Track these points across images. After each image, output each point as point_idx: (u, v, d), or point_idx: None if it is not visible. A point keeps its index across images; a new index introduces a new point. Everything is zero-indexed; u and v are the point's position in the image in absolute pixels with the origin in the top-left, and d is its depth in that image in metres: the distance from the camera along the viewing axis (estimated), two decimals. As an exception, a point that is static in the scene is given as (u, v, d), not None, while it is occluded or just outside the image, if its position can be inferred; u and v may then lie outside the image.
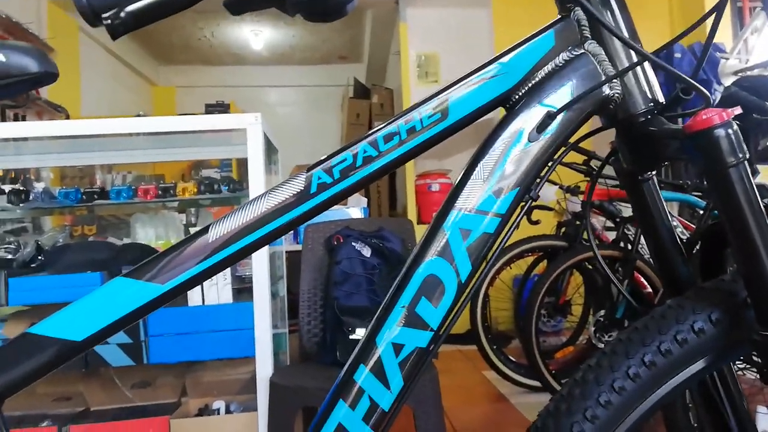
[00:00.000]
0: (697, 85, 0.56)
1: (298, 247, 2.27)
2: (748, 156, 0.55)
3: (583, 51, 0.61)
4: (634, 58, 0.61)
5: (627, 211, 2.78)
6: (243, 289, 1.81)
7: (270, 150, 2.17)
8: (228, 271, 1.77)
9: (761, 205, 0.55)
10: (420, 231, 4.00)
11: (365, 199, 2.70)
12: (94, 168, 3.55)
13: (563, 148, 0.66)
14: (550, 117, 0.59)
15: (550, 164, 0.63)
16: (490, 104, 0.61)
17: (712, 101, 0.57)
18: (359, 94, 5.83)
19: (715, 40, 3.76)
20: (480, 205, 0.58)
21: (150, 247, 1.99)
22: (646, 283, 2.70)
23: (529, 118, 0.60)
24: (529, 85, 0.61)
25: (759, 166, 1.93)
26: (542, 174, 0.63)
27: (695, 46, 3.80)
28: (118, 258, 1.84)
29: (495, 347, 2.99)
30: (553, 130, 0.60)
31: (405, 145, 0.60)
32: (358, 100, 5.68)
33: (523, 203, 0.61)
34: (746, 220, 0.55)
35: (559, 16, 0.63)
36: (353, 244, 2.07)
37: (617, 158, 0.67)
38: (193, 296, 1.77)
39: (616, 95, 0.61)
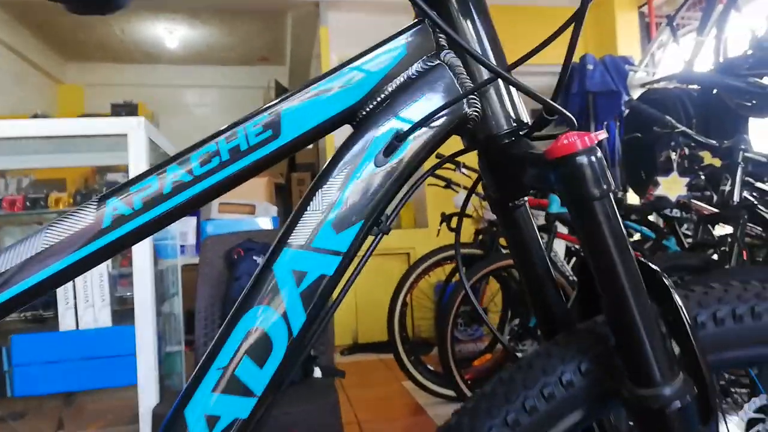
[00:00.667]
0: (556, 105, 0.49)
1: (197, 260, 2.13)
2: (613, 188, 0.48)
3: (438, 62, 0.53)
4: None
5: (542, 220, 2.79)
6: (125, 311, 1.65)
7: (163, 158, 2.01)
8: (106, 289, 1.61)
9: (628, 243, 0.48)
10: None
11: (275, 208, 2.57)
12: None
13: (426, 168, 0.58)
14: (398, 139, 0.51)
15: (407, 190, 0.55)
16: (333, 120, 0.52)
17: (575, 124, 0.50)
18: (281, 94, 5.68)
19: (624, 53, 3.88)
20: (316, 241, 0.49)
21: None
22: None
23: (376, 138, 0.51)
24: (378, 99, 0.52)
25: (659, 179, 1.94)
26: (400, 200, 0.54)
27: (606, 59, 3.91)
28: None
29: (413, 357, 2.93)
30: (403, 152, 0.51)
31: (227, 168, 0.50)
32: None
33: (373, 237, 0.53)
34: (612, 259, 0.48)
35: (415, 20, 0.55)
36: (255, 258, 1.94)
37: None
38: (66, 319, 1.59)
39: (475, 113, 0.53)
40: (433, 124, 0.52)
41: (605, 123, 3.91)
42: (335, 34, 4.66)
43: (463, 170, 2.92)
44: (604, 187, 0.47)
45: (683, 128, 1.88)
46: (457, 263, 0.66)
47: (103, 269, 1.62)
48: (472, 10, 0.55)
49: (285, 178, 4.97)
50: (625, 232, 0.49)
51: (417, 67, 0.53)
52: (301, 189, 5.03)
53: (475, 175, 2.96)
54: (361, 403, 2.98)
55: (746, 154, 1.87)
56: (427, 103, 0.52)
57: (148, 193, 0.49)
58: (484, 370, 3.11)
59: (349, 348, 4.07)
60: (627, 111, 3.37)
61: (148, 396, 1.55)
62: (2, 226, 1.85)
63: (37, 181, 3.81)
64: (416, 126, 0.51)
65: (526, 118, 0.55)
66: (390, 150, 0.51)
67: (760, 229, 1.84)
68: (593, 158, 0.47)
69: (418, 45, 0.53)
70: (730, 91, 2.00)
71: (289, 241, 0.49)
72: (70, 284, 1.61)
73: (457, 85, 0.53)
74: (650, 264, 0.52)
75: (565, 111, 0.49)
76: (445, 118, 0.52)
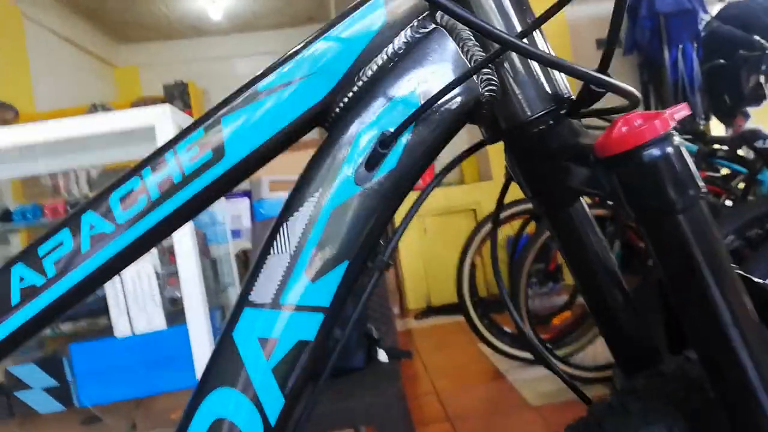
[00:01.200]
0: (605, 77, 0.33)
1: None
2: (703, 190, 0.32)
3: (434, 26, 0.38)
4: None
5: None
6: (180, 311, 1.59)
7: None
8: (156, 290, 1.57)
9: (728, 267, 0.32)
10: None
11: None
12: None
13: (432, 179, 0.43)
14: (383, 144, 0.36)
15: (410, 208, 0.41)
16: (296, 125, 0.38)
17: (639, 100, 0.34)
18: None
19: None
20: (286, 296, 0.36)
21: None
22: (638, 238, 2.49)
23: (354, 146, 0.37)
24: (354, 89, 0.38)
25: (750, 110, 1.68)
26: (401, 224, 0.41)
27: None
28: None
29: (486, 321, 2.80)
30: (394, 162, 0.37)
31: (158, 210, 0.37)
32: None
33: (370, 276, 0.39)
34: (706, 291, 0.32)
35: None
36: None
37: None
38: (119, 325, 1.56)
39: (491, 94, 0.38)
40: (431, 117, 0.37)
41: (680, 47, 3.52)
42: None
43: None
44: (691, 192, 0.31)
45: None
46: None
47: (151, 270, 1.57)
48: None
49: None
50: (725, 250, 0.33)
51: (404, 36, 0.38)
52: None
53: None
54: (438, 370, 2.89)
55: None
56: (421, 86, 0.37)
57: (60, 256, 0.37)
58: (563, 329, 2.94)
59: (423, 312, 3.97)
60: (705, 33, 2.98)
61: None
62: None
63: (107, 170, 3.87)
64: (407, 123, 0.36)
65: (566, 90, 0.39)
66: (374, 161, 0.36)
67: None
68: (670, 150, 0.31)
69: (403, 4, 0.38)
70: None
71: (250, 297, 0.37)
72: (120, 288, 1.57)
73: (464, 57, 0.37)
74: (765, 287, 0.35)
75: (619, 84, 0.33)
76: (449, 105, 0.37)
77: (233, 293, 1.97)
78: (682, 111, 0.31)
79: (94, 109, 4.20)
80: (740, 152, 2.28)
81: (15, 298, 0.36)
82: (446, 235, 3.61)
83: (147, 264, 1.53)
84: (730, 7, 3.01)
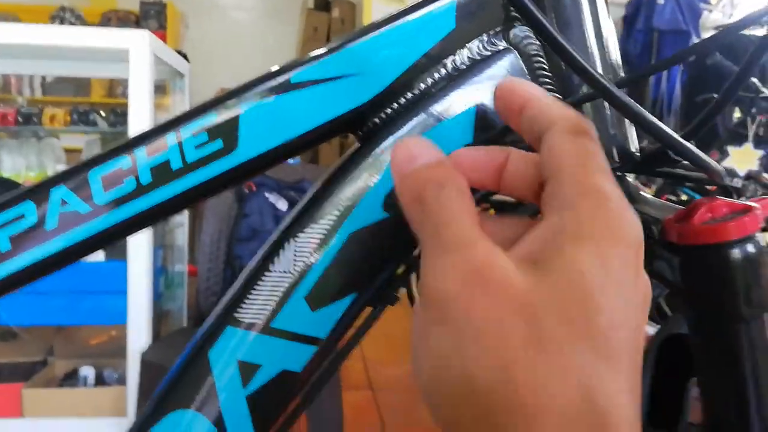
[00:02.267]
0: (693, 149, 0.28)
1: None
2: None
3: (505, 45, 0.33)
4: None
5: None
6: (123, 245, 1.51)
7: (173, 75, 1.82)
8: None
9: None
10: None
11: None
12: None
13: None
14: None
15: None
16: (324, 128, 0.33)
17: (723, 177, 0.30)
18: (319, 5, 5.32)
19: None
20: (280, 320, 0.31)
21: (13, 182, 1.64)
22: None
23: (389, 167, 0.32)
24: (401, 101, 0.32)
25: (729, 148, 1.70)
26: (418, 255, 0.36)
27: (681, -9, 3.50)
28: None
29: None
30: None
31: (146, 196, 0.31)
32: (317, 12, 5.18)
33: (370, 314, 0.35)
34: (743, 401, 0.30)
35: None
36: (266, 194, 1.78)
37: None
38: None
39: None
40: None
41: (668, 66, 3.56)
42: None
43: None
44: (761, 303, 0.28)
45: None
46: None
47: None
48: None
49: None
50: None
51: (470, 51, 0.32)
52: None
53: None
54: (369, 337, 2.89)
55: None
56: (480, 113, 0.32)
57: (18, 230, 0.31)
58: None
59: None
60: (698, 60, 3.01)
61: (138, 338, 1.44)
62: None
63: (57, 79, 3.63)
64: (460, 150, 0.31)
65: (634, 144, 0.35)
66: None
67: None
68: (754, 255, 0.27)
69: (476, 14, 0.33)
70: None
71: (236, 315, 0.32)
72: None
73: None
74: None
75: (706, 158, 0.29)
76: (504, 141, 0.32)
77: (181, 234, 1.89)
78: (765, 208, 0.28)
79: (62, 11, 3.93)
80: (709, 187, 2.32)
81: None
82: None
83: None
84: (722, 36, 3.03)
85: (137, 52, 1.39)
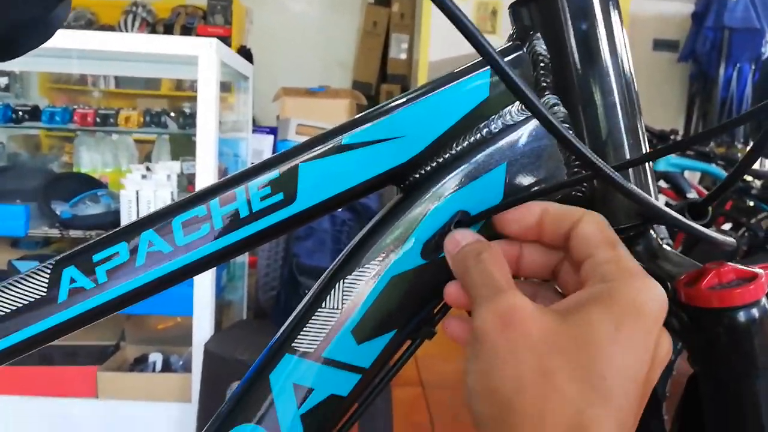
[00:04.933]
0: (707, 231, 0.31)
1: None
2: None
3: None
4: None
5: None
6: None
7: (238, 77, 1.90)
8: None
9: None
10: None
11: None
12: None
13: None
14: (459, 224, 0.35)
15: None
16: (371, 182, 0.37)
17: (734, 244, 0.33)
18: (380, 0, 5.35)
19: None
20: (330, 351, 0.36)
21: (91, 178, 1.76)
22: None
23: (430, 216, 0.36)
24: (440, 159, 0.36)
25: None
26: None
27: (755, -12, 3.34)
28: (50, 188, 1.63)
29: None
30: None
31: (219, 239, 0.37)
32: (377, 6, 5.21)
33: (408, 347, 0.39)
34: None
35: (509, 42, 0.38)
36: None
37: None
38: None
39: (577, 195, 0.36)
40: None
41: (738, 65, 3.41)
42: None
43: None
44: (766, 360, 0.30)
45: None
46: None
47: (168, 198, 1.58)
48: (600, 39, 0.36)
49: (374, 90, 4.77)
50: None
51: (503, 117, 0.36)
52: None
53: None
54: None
55: None
56: (510, 176, 0.36)
57: (114, 264, 0.37)
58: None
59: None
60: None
61: (201, 329, 1.54)
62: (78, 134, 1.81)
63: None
64: (488, 213, 0.35)
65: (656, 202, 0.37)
66: (446, 232, 0.35)
67: None
68: (760, 316, 0.30)
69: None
70: None
71: (294, 345, 0.37)
72: (134, 205, 1.58)
73: (560, 157, 0.36)
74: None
75: (716, 236, 0.32)
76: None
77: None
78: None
79: (134, 6, 4.11)
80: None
81: (62, 294, 0.36)
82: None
83: (166, 191, 1.53)
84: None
85: (206, 58, 1.47)
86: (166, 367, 1.71)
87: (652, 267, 0.35)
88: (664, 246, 0.37)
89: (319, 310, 0.36)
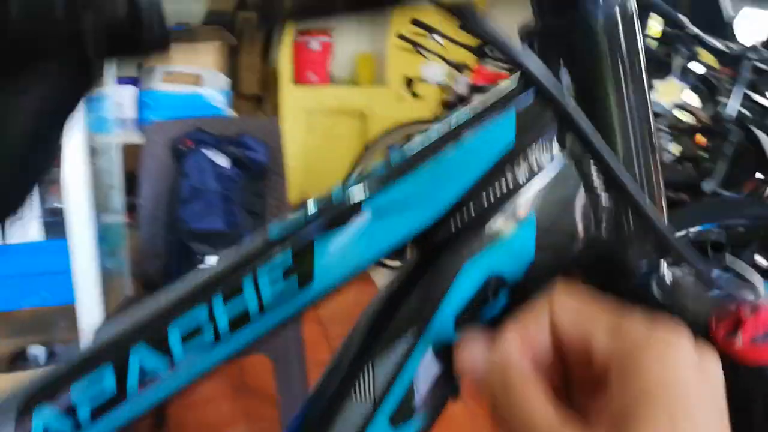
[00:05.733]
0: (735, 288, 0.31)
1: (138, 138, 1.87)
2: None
3: (565, 162, 0.33)
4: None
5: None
6: (57, 223, 1.42)
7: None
8: (36, 201, 1.37)
9: None
10: (293, 91, 3.53)
11: (224, 78, 2.25)
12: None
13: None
14: (494, 288, 0.32)
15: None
16: (392, 248, 0.33)
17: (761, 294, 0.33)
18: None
19: None
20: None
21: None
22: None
23: (456, 284, 0.33)
24: (463, 220, 0.33)
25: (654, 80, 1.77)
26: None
27: None
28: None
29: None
30: (497, 309, 0.33)
31: (219, 348, 0.31)
32: None
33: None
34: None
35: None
36: (204, 151, 1.71)
37: None
38: (-11, 233, 1.37)
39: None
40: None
41: None
42: None
43: (436, 37, 2.61)
44: None
45: (697, 32, 1.67)
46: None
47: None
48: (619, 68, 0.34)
49: (231, 18, 4.43)
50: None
51: (529, 164, 0.33)
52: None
53: (451, 46, 2.66)
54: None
55: (756, 64, 1.70)
56: (541, 232, 0.33)
57: (103, 400, 0.29)
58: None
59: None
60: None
61: (89, 315, 1.40)
62: None
63: None
64: (526, 273, 0.32)
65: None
66: (480, 304, 0.33)
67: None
68: None
69: (534, 122, 0.33)
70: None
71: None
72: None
73: (589, 201, 0.34)
74: None
75: (742, 295, 0.32)
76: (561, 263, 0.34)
77: (115, 195, 1.79)
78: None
79: None
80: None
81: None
82: (333, 136, 3.56)
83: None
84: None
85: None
86: (53, 359, 1.55)
87: (674, 309, 0.35)
88: (675, 275, 0.37)
89: (347, 402, 0.33)
